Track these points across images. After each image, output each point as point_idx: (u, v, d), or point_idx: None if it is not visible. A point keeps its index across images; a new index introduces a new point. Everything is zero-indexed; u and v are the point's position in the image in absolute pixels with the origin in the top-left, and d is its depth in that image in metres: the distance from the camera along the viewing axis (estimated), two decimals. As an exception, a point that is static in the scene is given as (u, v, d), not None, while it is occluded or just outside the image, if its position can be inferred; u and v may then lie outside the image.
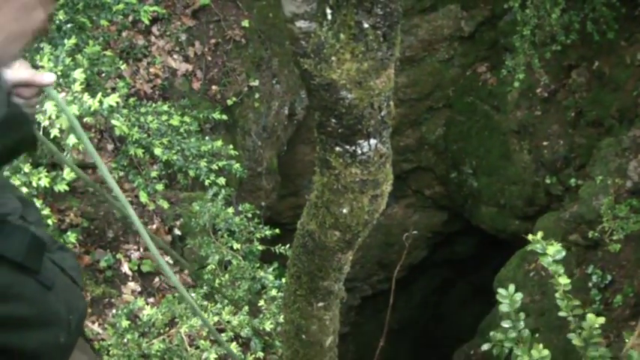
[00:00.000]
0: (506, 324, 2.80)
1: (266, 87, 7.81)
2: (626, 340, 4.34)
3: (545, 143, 8.55)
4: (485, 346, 2.88)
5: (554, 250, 2.74)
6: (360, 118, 2.03)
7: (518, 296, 2.70)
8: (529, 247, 2.81)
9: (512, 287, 2.71)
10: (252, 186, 7.70)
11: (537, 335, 7.31)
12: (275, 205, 8.48)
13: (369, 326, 10.95)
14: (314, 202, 2.45)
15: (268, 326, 4.25)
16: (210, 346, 3.98)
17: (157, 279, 5.49)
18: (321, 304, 2.88)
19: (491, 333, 2.83)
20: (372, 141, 2.12)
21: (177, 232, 5.76)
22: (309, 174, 9.79)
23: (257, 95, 7.53)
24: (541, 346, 2.77)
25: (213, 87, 7.36)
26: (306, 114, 8.41)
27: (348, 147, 2.13)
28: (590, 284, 6.93)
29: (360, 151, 2.13)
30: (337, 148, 2.14)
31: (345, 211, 2.33)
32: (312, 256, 2.65)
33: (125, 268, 5.42)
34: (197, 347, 4.06)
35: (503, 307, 2.74)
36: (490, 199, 9.41)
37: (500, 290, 2.73)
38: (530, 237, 2.78)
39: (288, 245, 5.12)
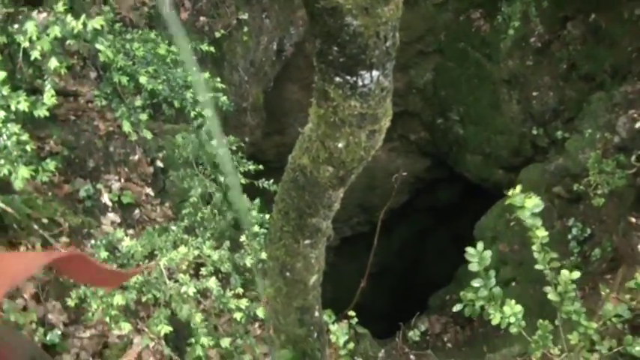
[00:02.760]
0: (476, 283, 2.75)
1: (255, 21, 7.63)
2: (602, 293, 4.32)
3: (534, 94, 8.47)
4: (457, 307, 2.83)
5: (533, 203, 2.67)
6: (364, 47, 1.92)
7: (488, 254, 2.64)
8: (508, 201, 2.74)
9: (480, 245, 2.65)
10: (237, 121, 7.57)
11: (514, 284, 7.35)
12: (259, 142, 8.37)
13: (346, 268, 10.97)
14: (308, 135, 2.36)
15: (249, 261, 4.18)
16: (190, 280, 3.90)
17: (137, 211, 5.39)
18: (307, 241, 2.81)
19: (462, 293, 2.77)
20: (375, 73, 2.02)
21: (159, 163, 5.65)
22: (295, 112, 9.72)
23: (246, 29, 7.36)
24: (513, 301, 2.73)
25: (202, 18, 7.18)
26: (294, 51, 8.26)
27: (348, 78, 2.02)
28: (569, 237, 6.94)
29: (361, 83, 2.02)
30: (337, 79, 2.04)
31: (340, 145, 2.23)
32: (302, 192, 2.56)
33: (105, 198, 5.31)
34: (176, 281, 3.98)
35: (473, 267, 2.68)
36: (476, 147, 9.36)
37: (469, 249, 2.66)
38: (510, 192, 2.71)
39: (272, 181, 5.05)
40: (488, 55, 8.98)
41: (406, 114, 10.16)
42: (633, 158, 6.10)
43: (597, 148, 6.47)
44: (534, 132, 8.49)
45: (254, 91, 7.75)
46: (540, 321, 3.02)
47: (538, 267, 2.84)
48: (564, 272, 2.79)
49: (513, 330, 2.72)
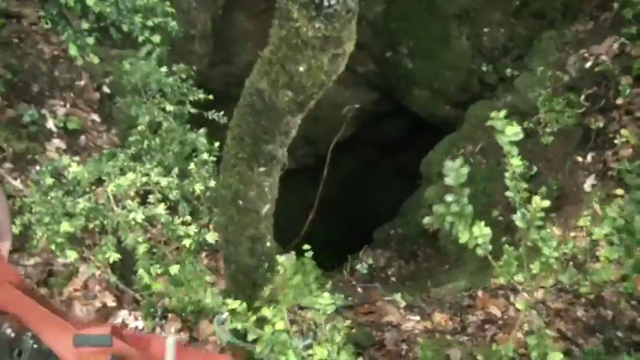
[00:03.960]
0: (449, 197, 2.73)
1: (204, -56, 7.43)
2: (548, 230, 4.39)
3: (485, 30, 8.44)
4: (427, 219, 2.81)
5: (513, 130, 2.66)
6: (331, -35, 1.86)
7: (464, 170, 2.62)
8: (489, 123, 2.72)
9: (459, 160, 2.63)
10: (184, 49, 7.39)
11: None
12: (206, 71, 8.21)
13: (290, 200, 10.96)
14: (268, 58, 2.29)
15: (198, 188, 4.11)
16: (138, 207, 3.84)
17: (82, 137, 5.26)
18: (262, 169, 2.77)
19: (434, 206, 2.75)
20: (341, -7, 1.96)
21: (106, 89, 5.51)
22: (244, 42, 9.54)
23: (195, -47, 7.15)
24: (482, 223, 2.73)
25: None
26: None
27: (314, -3, 1.96)
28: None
29: (327, 3, 1.96)
30: (302, -2, 1.97)
31: (301, 69, 2.18)
32: (259, 117, 2.51)
33: (50, 124, 5.17)
34: (124, 207, 3.91)
35: (449, 180, 2.66)
36: (424, 82, 9.33)
37: (448, 162, 2.64)
38: (493, 114, 2.69)
39: (222, 113, 4.96)
40: (441, -11, 8.90)
41: (355, 46, 10.04)
42: (582, 97, 6.15)
43: (547, 86, 6.50)
44: (483, 68, 8.48)
45: (202, 18, 7.57)
46: (506, 246, 3.04)
47: (508, 194, 2.85)
48: (536, 199, 2.80)
49: (479, 252, 2.73)
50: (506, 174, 2.81)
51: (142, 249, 3.69)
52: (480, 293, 5.53)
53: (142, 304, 4.42)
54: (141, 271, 3.60)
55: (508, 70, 7.89)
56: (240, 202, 2.91)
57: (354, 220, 11.68)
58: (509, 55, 8.29)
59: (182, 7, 7.04)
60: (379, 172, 12.24)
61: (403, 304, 5.27)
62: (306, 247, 3.55)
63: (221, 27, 8.38)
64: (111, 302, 4.55)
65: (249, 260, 3.19)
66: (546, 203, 2.79)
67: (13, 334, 1.83)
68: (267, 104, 2.39)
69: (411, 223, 8.16)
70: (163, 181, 3.89)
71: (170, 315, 4.49)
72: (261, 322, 2.95)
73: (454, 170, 2.66)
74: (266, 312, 2.75)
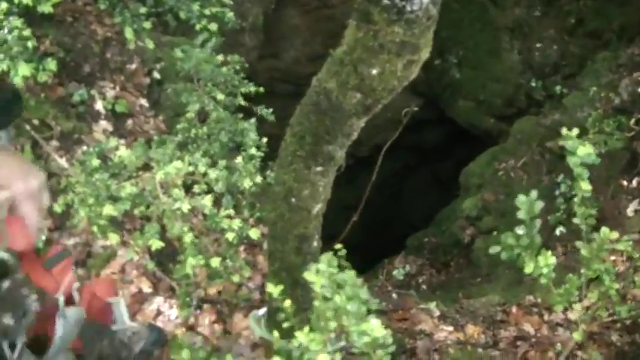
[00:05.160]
0: (520, 230, 2.68)
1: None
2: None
3: (537, 46, 8.35)
4: (493, 249, 2.77)
5: (585, 151, 2.60)
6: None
7: (538, 204, 2.57)
8: (561, 142, 2.66)
9: (534, 193, 2.57)
10: (234, 41, 7.39)
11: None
12: (254, 64, 8.20)
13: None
14: (339, 58, 2.25)
15: (247, 184, 4.09)
16: (184, 197, 3.82)
17: (129, 121, 5.27)
18: (319, 168, 2.73)
19: (502, 236, 2.71)
20: (425, -1, 1.92)
21: (156, 75, 5.51)
22: (292, 38, 9.52)
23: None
24: (549, 253, 2.68)
25: None
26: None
27: (397, 1, 1.91)
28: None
29: (409, 8, 1.92)
30: (385, 1, 1.93)
31: (374, 72, 2.14)
32: (322, 117, 2.47)
33: (99, 105, 5.18)
34: (169, 196, 3.90)
35: (521, 214, 2.61)
36: (470, 92, 9.26)
37: (520, 197, 2.59)
38: (564, 131, 2.63)
39: (271, 110, 4.93)
40: (494, 1, 8.82)
41: (403, 52, 9.97)
42: (633, 121, 6.06)
43: (598, 107, 6.41)
44: (532, 84, 8.39)
45: (254, 11, 7.57)
46: (570, 275, 2.98)
47: (576, 221, 2.80)
48: (604, 230, 2.75)
49: (543, 281, 2.68)
50: (575, 199, 2.75)
51: (188, 239, 3.67)
52: (514, 309, 5.46)
53: (178, 293, 4.41)
54: (189, 260, 3.57)
55: (557, 88, 7.80)
56: (293, 199, 2.88)
57: (387, 224, 11.62)
58: (559, 73, 8.19)
59: (236, -1, 7.04)
60: (416, 178, 12.17)
61: (437, 313, 5.21)
62: (339, 246, 3.53)
63: (271, 21, 8.38)
64: (147, 288, 4.55)
65: (294, 259, 3.16)
66: (615, 235, 2.73)
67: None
68: (333, 104, 2.36)
69: (446, 232, 8.09)
70: (212, 173, 3.86)
71: (205, 306, 4.49)
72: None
73: (527, 204, 2.61)
74: (303, 337, 2.66)
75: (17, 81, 3.87)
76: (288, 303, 2.53)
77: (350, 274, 2.06)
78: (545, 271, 2.66)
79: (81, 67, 5.34)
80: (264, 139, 4.56)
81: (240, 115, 4.82)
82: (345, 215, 7.98)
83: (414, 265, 7.89)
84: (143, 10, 4.87)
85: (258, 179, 4.23)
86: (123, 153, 4.00)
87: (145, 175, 4.03)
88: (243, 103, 4.87)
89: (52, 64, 4.22)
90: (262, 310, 3.63)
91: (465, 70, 9.24)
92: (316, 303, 2.38)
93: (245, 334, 4.26)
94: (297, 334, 2.42)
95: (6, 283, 1.58)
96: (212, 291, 4.44)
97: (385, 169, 11.97)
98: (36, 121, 4.81)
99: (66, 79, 5.24)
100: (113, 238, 4.01)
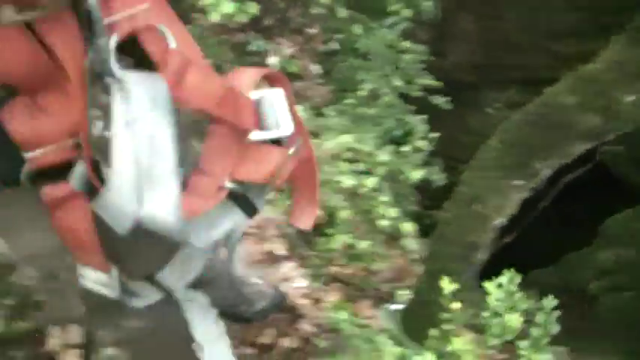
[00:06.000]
0: None
1: None
2: None
3: None
4: None
5: None
6: None
7: None
8: None
9: None
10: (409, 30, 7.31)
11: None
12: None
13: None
14: (589, 76, 2.13)
15: (415, 175, 3.99)
16: (348, 172, 3.77)
17: (298, 83, 5.26)
18: (517, 182, 2.64)
19: None
20: None
21: (333, 45, 5.48)
22: (461, 42, 9.29)
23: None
24: None
25: None
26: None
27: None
28: None
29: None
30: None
31: (629, 99, 2.01)
32: (543, 131, 2.38)
33: (272, 60, 5.20)
34: (334, 167, 3.85)
35: None
36: None
37: None
38: None
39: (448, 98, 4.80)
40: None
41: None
42: None
43: None
44: None
45: (437, 5, 7.44)
46: None
47: None
48: None
49: None
50: None
51: (343, 214, 3.62)
52: None
53: (310, 264, 4.38)
54: (339, 236, 3.53)
55: None
56: (477, 206, 2.78)
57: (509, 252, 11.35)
58: None
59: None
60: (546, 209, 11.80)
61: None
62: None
63: (449, 20, 8.22)
64: (281, 251, 4.53)
65: (454, 264, 3.06)
66: None
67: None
68: (563, 122, 2.24)
69: (571, 278, 7.80)
70: (381, 155, 3.79)
71: (333, 284, 4.43)
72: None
73: None
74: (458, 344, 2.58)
75: (214, 16, 3.90)
76: (457, 305, 2.44)
77: (550, 302, 1.96)
78: None
79: (262, 19, 5.36)
80: (434, 134, 4.46)
81: (413, 108, 4.75)
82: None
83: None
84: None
85: (422, 172, 4.13)
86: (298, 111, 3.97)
87: (313, 141, 3.99)
88: (418, 93, 4.78)
89: (253, 7, 4.24)
90: (395, 306, 3.56)
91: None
92: (485, 314, 2.30)
93: (369, 322, 4.19)
94: (455, 339, 2.36)
95: None
96: (345, 271, 4.38)
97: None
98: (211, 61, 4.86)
99: (246, 27, 5.26)
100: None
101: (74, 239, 1.57)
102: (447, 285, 2.44)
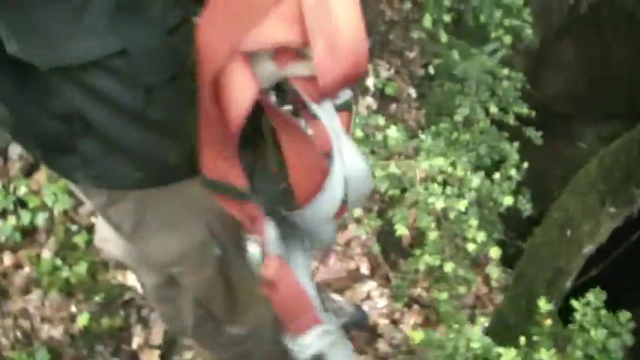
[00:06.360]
0: None
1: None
2: None
3: None
4: None
5: None
6: None
7: None
8: None
9: None
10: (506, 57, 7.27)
11: None
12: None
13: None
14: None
15: (506, 201, 3.95)
16: (441, 194, 3.76)
17: (394, 105, 5.30)
18: (613, 209, 2.59)
19: None
20: None
21: (431, 70, 5.50)
22: (560, 70, 9.16)
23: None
24: None
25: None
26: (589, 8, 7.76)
27: None
28: None
29: None
30: None
31: None
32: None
33: (370, 81, 5.25)
34: (426, 188, 3.85)
35: None
36: None
37: None
38: None
39: (540, 133, 4.74)
40: None
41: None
42: None
43: None
44: None
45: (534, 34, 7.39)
46: None
47: None
48: None
49: None
50: None
51: (432, 235, 3.62)
52: None
53: (392, 285, 4.38)
54: (426, 257, 3.53)
55: None
56: (569, 231, 2.74)
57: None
58: None
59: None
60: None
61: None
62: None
63: (548, 49, 8.14)
64: (364, 269, 4.55)
65: (541, 289, 3.01)
66: None
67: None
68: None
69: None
70: (474, 179, 3.77)
71: (415, 306, 4.42)
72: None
73: None
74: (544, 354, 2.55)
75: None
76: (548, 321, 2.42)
77: (625, 315, 1.94)
78: None
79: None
80: (526, 164, 4.41)
81: (506, 135, 4.72)
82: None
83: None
84: (447, 2, 4.86)
85: (511, 200, 4.10)
86: (393, 133, 4.01)
87: (406, 162, 4.01)
88: (512, 122, 4.75)
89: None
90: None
91: None
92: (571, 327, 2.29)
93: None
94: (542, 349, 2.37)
95: None
96: (426, 294, 4.37)
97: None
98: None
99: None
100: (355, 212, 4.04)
101: (292, 310, 1.67)
102: (544, 304, 2.42)
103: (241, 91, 1.22)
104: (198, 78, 1.28)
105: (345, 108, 1.47)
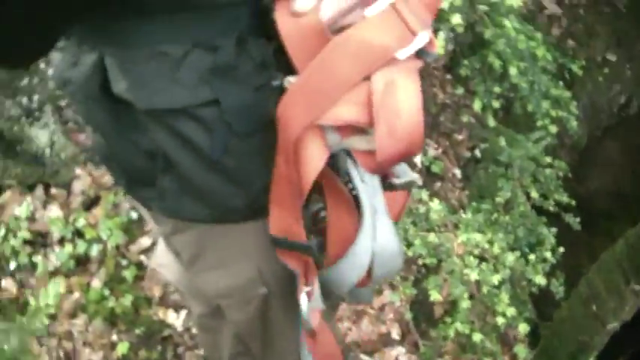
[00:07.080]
0: None
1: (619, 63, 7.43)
2: None
3: None
4: None
5: None
6: None
7: None
8: None
9: None
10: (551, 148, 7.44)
11: None
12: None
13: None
14: None
15: (538, 280, 4.10)
16: (476, 266, 3.93)
17: (438, 183, 5.49)
18: (637, 287, 2.73)
19: None
20: None
21: (477, 153, 5.70)
22: (603, 169, 9.29)
23: (606, 70, 7.17)
24: None
25: (570, 41, 7.09)
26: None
27: None
28: None
29: None
30: None
31: None
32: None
33: (418, 159, 5.46)
34: (462, 260, 4.02)
35: None
36: None
37: None
38: None
39: (578, 219, 4.89)
40: None
41: None
42: None
43: None
44: None
45: (580, 132, 7.57)
46: None
47: None
48: None
49: None
50: None
51: (464, 304, 3.77)
52: None
53: (421, 352, 4.51)
54: (456, 325, 3.68)
55: None
56: (594, 306, 2.89)
57: None
58: None
59: (586, 112, 7.12)
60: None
61: None
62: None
63: (594, 147, 8.30)
64: (395, 335, 4.68)
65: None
66: None
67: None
68: None
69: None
70: (510, 256, 3.94)
71: (443, 376, 4.54)
72: None
73: None
74: None
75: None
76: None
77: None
78: None
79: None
80: (562, 249, 4.56)
81: (544, 220, 4.87)
82: None
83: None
84: (497, 89, 5.08)
85: (543, 281, 4.24)
86: (435, 206, 4.20)
87: (445, 234, 4.19)
88: (552, 208, 4.91)
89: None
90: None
91: None
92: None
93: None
94: None
95: None
96: (453, 363, 4.49)
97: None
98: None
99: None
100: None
101: None
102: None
103: (314, 158, 1.45)
104: (277, 143, 1.50)
105: (405, 187, 1.65)
